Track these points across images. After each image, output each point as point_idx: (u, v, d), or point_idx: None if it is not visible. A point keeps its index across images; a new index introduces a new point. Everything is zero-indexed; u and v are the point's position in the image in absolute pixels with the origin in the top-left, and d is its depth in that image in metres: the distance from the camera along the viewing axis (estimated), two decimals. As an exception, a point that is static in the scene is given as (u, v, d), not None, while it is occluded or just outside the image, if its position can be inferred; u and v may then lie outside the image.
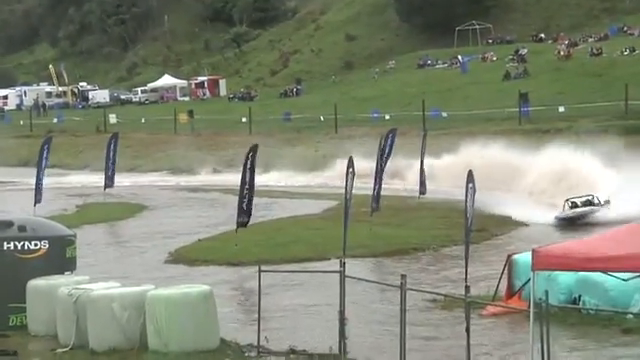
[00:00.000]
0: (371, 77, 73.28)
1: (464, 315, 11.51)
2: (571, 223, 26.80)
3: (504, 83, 59.03)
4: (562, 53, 63.68)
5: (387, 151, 31.19)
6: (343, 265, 13.53)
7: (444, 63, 71.65)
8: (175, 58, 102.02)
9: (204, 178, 45.32)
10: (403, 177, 38.21)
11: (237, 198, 24.95)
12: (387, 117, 51.67)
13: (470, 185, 17.06)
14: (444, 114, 51.56)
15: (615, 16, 75.09)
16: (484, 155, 33.78)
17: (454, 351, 13.16)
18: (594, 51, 62.26)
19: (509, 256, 16.89)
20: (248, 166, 23.94)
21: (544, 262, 10.99)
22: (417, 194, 32.67)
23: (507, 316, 15.52)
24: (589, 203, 27.81)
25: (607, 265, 10.96)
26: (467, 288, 11.75)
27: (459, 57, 70.58)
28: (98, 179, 40.01)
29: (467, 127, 46.53)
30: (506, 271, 16.65)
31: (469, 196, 17.01)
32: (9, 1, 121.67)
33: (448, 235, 24.51)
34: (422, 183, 32.97)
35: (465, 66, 67.26)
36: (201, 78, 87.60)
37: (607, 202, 27.71)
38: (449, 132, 44.06)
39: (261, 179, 40.52)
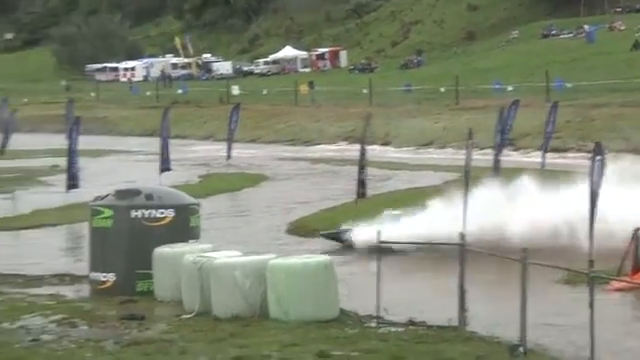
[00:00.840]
0: (495, 47, 72.12)
1: (587, 290, 11.31)
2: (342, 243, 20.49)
3: (632, 53, 57.20)
4: (695, 21, 61.32)
5: (509, 123, 30.75)
6: (463, 237, 13.45)
7: (569, 33, 69.86)
8: (296, 29, 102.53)
9: (324, 149, 45.61)
10: (525, 149, 37.61)
11: (357, 169, 25.09)
12: (509, 88, 50.83)
13: (598, 157, 16.57)
14: (568, 85, 50.40)
15: None
16: None
17: (577, 326, 12.94)
18: None
19: (636, 230, 16.47)
20: (361, 136, 24.00)
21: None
22: (539, 166, 32.10)
23: (633, 292, 15.17)
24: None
25: None
26: (591, 263, 11.54)
27: (585, 26, 68.71)
28: (221, 149, 40.77)
29: (592, 98, 45.41)
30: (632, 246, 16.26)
31: (595, 169, 16.56)
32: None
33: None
34: (543, 155, 32.41)
35: (591, 36, 65.45)
36: (322, 49, 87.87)
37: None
38: (573, 103, 43.08)
39: (381, 150, 40.64)
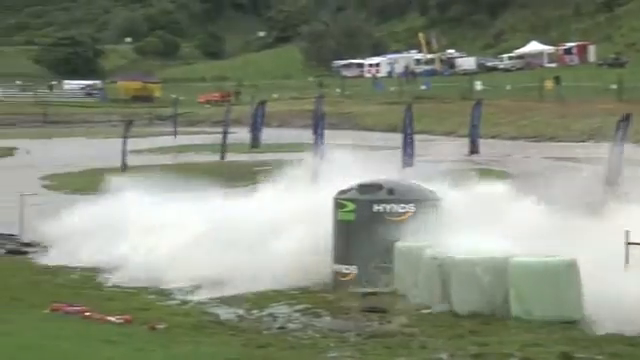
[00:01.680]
0: None
1: None
2: None
3: None
4: None
5: None
6: None
7: None
8: (543, 24, 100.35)
9: (570, 146, 44.32)
10: None
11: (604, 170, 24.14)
12: None
13: None
14: None
15: None
16: None
17: None
18: None
19: None
20: (620, 136, 23.10)
21: None
22: None
23: None
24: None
25: None
26: None
27: None
28: (462, 145, 40.54)
29: None
30: None
31: None
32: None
33: None
34: None
35: None
36: (569, 44, 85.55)
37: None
38: None
39: (631, 149, 38.93)
